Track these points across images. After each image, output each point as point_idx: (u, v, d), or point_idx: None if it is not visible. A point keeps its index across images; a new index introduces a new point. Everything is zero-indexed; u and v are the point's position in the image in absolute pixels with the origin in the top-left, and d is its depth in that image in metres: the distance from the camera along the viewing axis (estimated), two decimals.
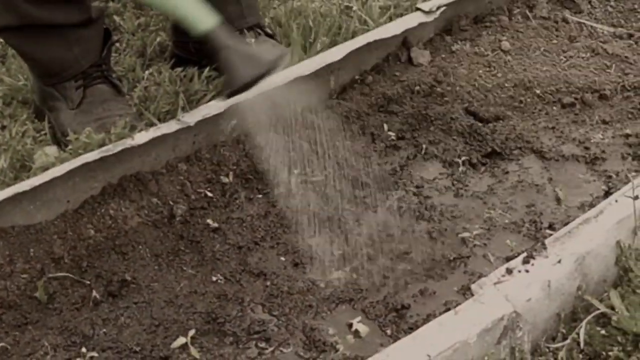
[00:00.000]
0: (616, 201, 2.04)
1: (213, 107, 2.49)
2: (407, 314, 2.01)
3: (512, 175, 2.43)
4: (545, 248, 1.92)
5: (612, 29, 3.10)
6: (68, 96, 2.67)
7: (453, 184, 2.42)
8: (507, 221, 2.27)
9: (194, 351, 1.94)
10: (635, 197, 2.02)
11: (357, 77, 2.81)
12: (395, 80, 2.81)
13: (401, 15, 3.13)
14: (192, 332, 1.97)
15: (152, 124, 2.59)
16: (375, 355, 1.70)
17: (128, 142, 2.34)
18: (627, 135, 2.54)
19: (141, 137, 2.36)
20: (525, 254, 1.91)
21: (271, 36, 2.96)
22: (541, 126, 2.62)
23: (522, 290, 1.83)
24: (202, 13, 2.18)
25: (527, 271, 1.87)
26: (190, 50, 2.96)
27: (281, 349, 1.95)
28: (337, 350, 1.93)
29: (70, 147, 2.45)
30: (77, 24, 2.63)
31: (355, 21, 3.12)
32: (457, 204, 2.34)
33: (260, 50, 2.13)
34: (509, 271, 1.88)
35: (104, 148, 2.32)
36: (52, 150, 2.45)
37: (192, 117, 2.44)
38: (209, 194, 2.38)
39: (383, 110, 2.70)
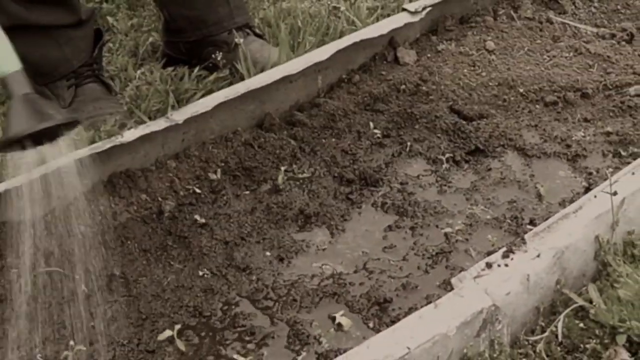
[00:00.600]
0: (595, 197, 2.04)
1: (201, 105, 2.49)
2: (390, 308, 2.01)
3: (495, 172, 2.43)
4: (524, 243, 1.92)
5: (595, 29, 3.11)
6: (60, 95, 2.68)
7: (437, 181, 2.42)
8: (489, 217, 2.27)
9: (180, 344, 1.94)
10: (614, 193, 2.02)
11: (344, 76, 2.81)
12: (382, 79, 2.81)
13: (388, 15, 3.13)
14: (178, 326, 1.97)
15: (142, 122, 2.59)
16: (355, 347, 1.70)
17: (117, 140, 2.33)
18: (608, 133, 2.54)
19: (130, 135, 2.36)
20: (504, 249, 1.91)
21: (260, 36, 2.96)
22: (524, 124, 2.62)
23: (501, 284, 1.83)
24: (3, 55, 1.90)
25: (506, 265, 1.87)
26: (181, 50, 2.96)
27: (266, 342, 1.95)
28: (320, 343, 1.93)
29: None
30: (67, 25, 2.63)
31: (343, 21, 3.12)
32: (440, 200, 2.34)
33: (50, 108, 1.87)
34: (489, 265, 1.88)
35: (93, 145, 2.32)
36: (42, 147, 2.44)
37: (180, 115, 2.44)
38: (197, 191, 2.39)
39: (369, 108, 2.71)
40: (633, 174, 2.11)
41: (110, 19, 3.37)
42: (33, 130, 1.81)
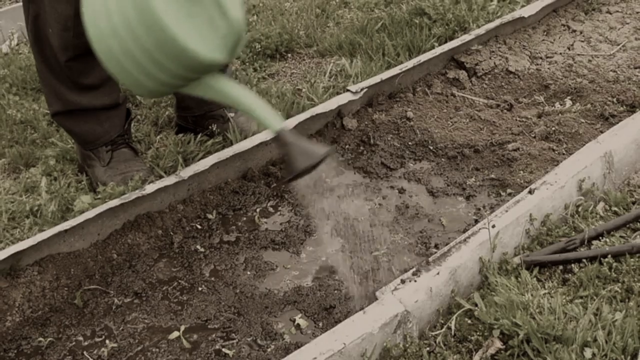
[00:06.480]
0: (479, 230, 2.09)
1: (201, 164, 2.52)
2: (334, 312, 2.05)
3: (411, 209, 2.46)
4: (428, 264, 1.97)
5: (485, 101, 3.15)
6: (101, 157, 2.70)
7: (369, 216, 2.44)
8: (406, 243, 2.30)
9: (184, 342, 1.98)
10: (493, 226, 2.08)
11: None
12: (332, 142, 2.84)
13: (338, 93, 3.17)
14: (183, 328, 2.01)
15: (160, 176, 2.62)
16: (307, 344, 1.74)
17: (140, 192, 2.37)
18: (492, 179, 2.58)
19: (150, 188, 2.39)
20: (414, 269, 1.96)
21: None
22: (433, 173, 2.66)
23: (411, 294, 1.88)
24: (274, 116, 1.96)
25: (415, 281, 1.92)
26: (189, 122, 2.99)
27: (245, 338, 1.98)
28: (284, 339, 1.97)
29: (99, 195, 2.48)
30: (109, 107, 2.66)
31: (304, 99, 3.16)
32: (372, 230, 2.37)
33: (314, 147, 1.97)
34: (403, 281, 1.92)
35: (123, 196, 2.34)
36: (86, 198, 2.47)
37: (186, 173, 2.47)
38: (199, 227, 2.41)
39: (322, 163, 2.73)
40: (507, 211, 2.16)
41: (138, 97, 3.40)
42: (314, 164, 1.95)
